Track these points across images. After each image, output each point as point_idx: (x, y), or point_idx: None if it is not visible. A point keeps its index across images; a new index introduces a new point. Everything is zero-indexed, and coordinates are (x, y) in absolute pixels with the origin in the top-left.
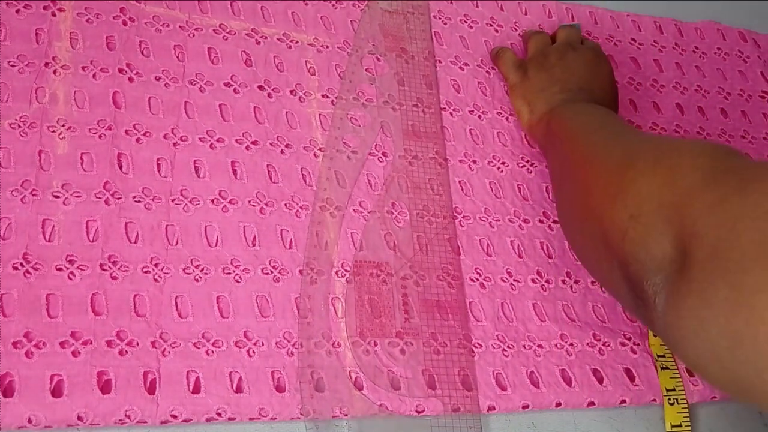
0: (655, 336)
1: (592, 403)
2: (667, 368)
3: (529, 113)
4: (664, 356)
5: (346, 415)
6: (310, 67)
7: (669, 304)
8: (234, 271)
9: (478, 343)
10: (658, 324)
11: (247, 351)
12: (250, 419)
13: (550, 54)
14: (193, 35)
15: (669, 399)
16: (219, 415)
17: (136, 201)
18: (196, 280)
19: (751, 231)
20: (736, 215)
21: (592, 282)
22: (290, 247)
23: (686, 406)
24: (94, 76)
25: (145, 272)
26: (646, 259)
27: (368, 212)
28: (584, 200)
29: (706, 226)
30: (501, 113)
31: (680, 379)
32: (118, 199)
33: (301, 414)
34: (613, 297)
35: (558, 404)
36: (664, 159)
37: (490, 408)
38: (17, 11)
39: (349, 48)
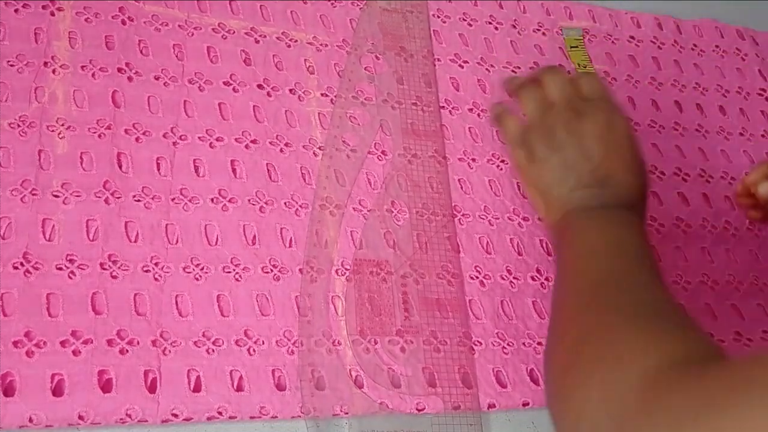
0: None
1: None
2: None
3: (545, 210)
4: None
5: (347, 413)
6: (309, 66)
7: None
8: (234, 270)
9: (478, 341)
10: None
11: (248, 349)
12: (251, 418)
13: (556, 125)
14: (192, 34)
15: None
16: (220, 413)
17: (135, 200)
18: (197, 279)
19: None
20: None
21: None
22: (290, 246)
23: None
24: (93, 75)
25: (146, 271)
26: None
27: (368, 211)
28: (558, 349)
29: None
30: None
31: None
32: (118, 198)
33: (302, 412)
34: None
35: None
36: (602, 367)
37: (491, 405)
38: (16, 11)
39: (348, 47)
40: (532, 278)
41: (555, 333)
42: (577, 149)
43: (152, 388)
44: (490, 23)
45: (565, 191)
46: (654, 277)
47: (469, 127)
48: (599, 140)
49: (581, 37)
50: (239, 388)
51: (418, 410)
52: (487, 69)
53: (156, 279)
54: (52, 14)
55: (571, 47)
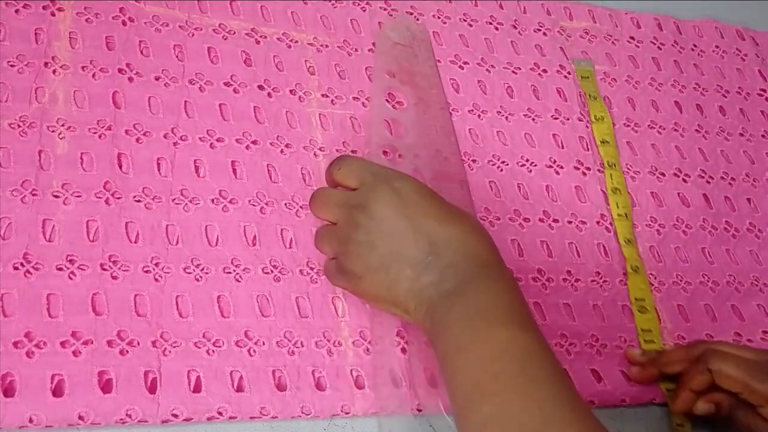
0: None
1: (591, 403)
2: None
3: (406, 314)
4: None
5: (348, 413)
6: (310, 67)
7: None
8: (234, 271)
9: None
10: None
11: (248, 350)
12: (251, 418)
13: (351, 236)
14: (193, 35)
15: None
16: (220, 414)
17: (136, 201)
18: (197, 280)
19: None
20: None
21: (592, 281)
22: (290, 247)
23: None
24: (93, 75)
25: (146, 272)
26: None
27: None
28: None
29: None
30: (501, 112)
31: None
32: (119, 198)
33: (303, 413)
34: None
35: None
36: None
37: None
38: (16, 11)
39: (349, 47)
40: (534, 279)
41: None
42: (386, 237)
43: (152, 389)
44: (490, 23)
45: (409, 285)
46: (572, 408)
47: (470, 129)
48: (397, 213)
49: (591, 68)
50: (239, 389)
51: (419, 410)
52: (487, 70)
53: (156, 280)
54: (53, 14)
55: (582, 77)
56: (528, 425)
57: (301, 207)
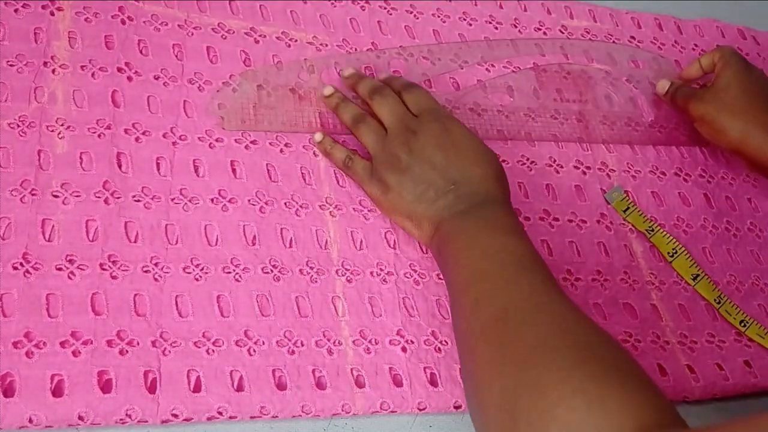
0: None
1: None
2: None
3: (417, 229)
4: None
5: (348, 413)
6: (309, 66)
7: None
8: (234, 270)
9: None
10: None
11: (248, 350)
12: (251, 417)
13: (396, 150)
14: (192, 34)
15: None
16: (220, 413)
17: (135, 200)
18: (196, 280)
19: None
20: None
21: (593, 279)
22: (290, 246)
23: None
24: (92, 75)
25: (145, 271)
26: None
27: (368, 210)
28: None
29: None
30: (501, 111)
31: None
32: (118, 198)
33: (303, 412)
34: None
35: None
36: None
37: None
38: (16, 10)
39: (348, 46)
40: None
41: (473, 374)
42: (423, 163)
43: (152, 389)
44: (489, 23)
45: (427, 205)
46: (557, 292)
47: (470, 127)
48: (438, 148)
49: (625, 195)
50: (239, 388)
51: (420, 409)
52: (487, 69)
53: (156, 279)
54: (52, 14)
55: (623, 210)
56: (515, 302)
57: (300, 206)
